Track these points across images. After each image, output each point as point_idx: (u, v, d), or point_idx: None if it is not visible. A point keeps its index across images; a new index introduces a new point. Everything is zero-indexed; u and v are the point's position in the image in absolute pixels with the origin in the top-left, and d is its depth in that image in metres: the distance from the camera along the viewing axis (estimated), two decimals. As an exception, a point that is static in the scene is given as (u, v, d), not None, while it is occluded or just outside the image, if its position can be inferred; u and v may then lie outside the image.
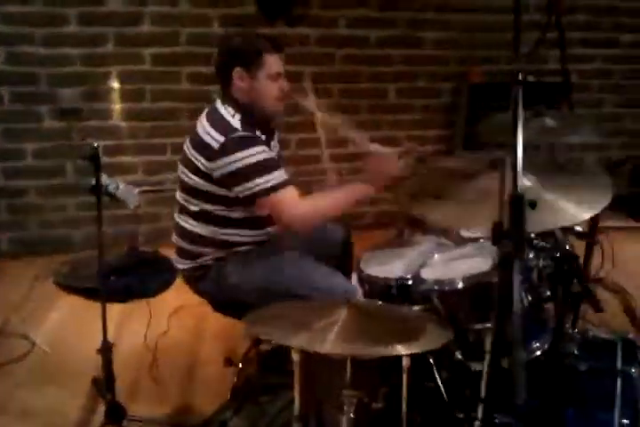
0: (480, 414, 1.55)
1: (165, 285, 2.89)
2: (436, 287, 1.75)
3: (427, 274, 1.81)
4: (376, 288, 1.93)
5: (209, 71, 3.52)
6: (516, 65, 1.27)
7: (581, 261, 2.05)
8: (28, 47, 3.36)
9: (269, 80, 2.00)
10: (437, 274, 1.80)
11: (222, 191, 1.97)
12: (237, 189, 1.93)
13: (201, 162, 1.94)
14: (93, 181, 1.89)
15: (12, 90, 3.41)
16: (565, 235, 1.86)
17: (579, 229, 1.91)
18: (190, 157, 1.99)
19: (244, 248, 2.06)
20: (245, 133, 1.93)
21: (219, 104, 2.02)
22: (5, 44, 3.33)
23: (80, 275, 3.07)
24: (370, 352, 1.40)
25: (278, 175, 1.92)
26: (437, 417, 1.72)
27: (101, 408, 2.02)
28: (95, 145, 1.85)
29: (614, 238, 2.30)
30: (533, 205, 1.24)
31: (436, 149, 4.07)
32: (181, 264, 2.12)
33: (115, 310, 2.51)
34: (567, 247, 1.80)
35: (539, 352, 1.72)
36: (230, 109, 1.98)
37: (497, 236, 1.19)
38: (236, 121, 1.95)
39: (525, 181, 1.43)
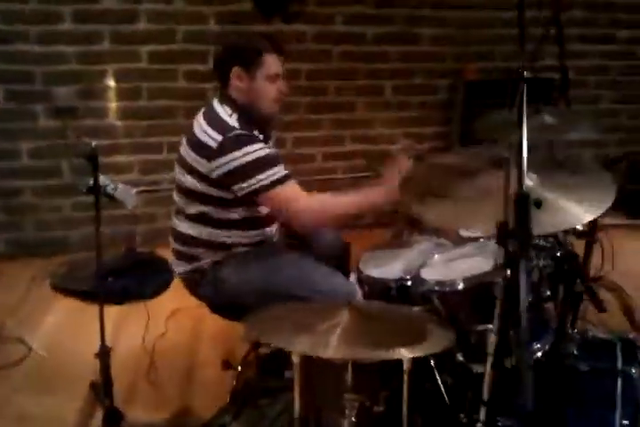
0: (482, 417, 1.54)
1: (163, 286, 2.87)
2: (436, 288, 1.74)
3: (427, 275, 1.80)
4: (376, 289, 1.92)
5: (205, 69, 3.53)
6: (520, 62, 1.25)
7: (580, 259, 2.03)
8: (23, 45, 3.33)
9: (268, 81, 1.98)
10: (438, 274, 1.79)
11: (218, 193, 1.95)
12: (238, 187, 1.90)
13: (199, 162, 1.92)
14: (91, 182, 1.86)
15: (7, 88, 3.38)
16: (565, 234, 1.85)
17: (578, 227, 1.90)
18: (187, 157, 1.97)
19: (241, 250, 2.04)
20: (243, 132, 1.91)
21: (216, 103, 2.00)
22: (-1, 41, 3.31)
23: (77, 277, 3.05)
24: (373, 356, 1.39)
25: (279, 170, 1.90)
26: (439, 420, 1.71)
27: (99, 413, 2.00)
28: (93, 144, 1.83)
29: (612, 236, 2.29)
30: (539, 204, 1.23)
31: (433, 145, 4.06)
32: (179, 268, 2.10)
33: (111, 312, 2.49)
34: (568, 247, 1.79)
35: (540, 353, 1.71)
36: (227, 109, 1.97)
37: (502, 236, 1.17)
38: (233, 120, 1.94)
39: (528, 180, 1.41)
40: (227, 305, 2.02)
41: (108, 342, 1.97)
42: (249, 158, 1.87)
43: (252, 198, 1.92)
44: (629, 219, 3.91)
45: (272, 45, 1.97)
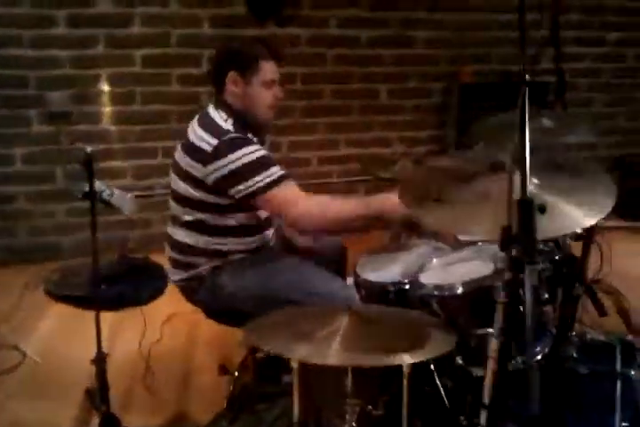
0: (483, 421, 1.53)
1: (158, 292, 2.85)
2: (435, 293, 1.72)
3: (426, 279, 1.79)
4: (373, 293, 1.90)
5: (199, 73, 3.53)
6: (521, 65, 1.24)
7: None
8: (16, 50, 3.32)
9: (263, 87, 1.97)
10: (436, 278, 1.77)
11: (215, 199, 1.93)
12: (235, 190, 1.88)
13: (194, 167, 1.91)
14: (87, 188, 1.83)
15: (0, 93, 3.36)
16: (564, 236, 1.85)
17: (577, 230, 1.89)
18: (181, 162, 1.95)
19: (237, 256, 2.02)
20: (238, 135, 1.90)
21: (211, 109, 1.99)
22: (-8, 46, 3.29)
23: (71, 283, 3.03)
24: (374, 362, 1.38)
25: (275, 171, 1.89)
26: (439, 424, 1.70)
27: (94, 419, 1.99)
28: (89, 150, 1.81)
29: (609, 239, 2.29)
30: (543, 209, 1.22)
31: (428, 149, 4.06)
32: (176, 276, 2.08)
33: (107, 317, 2.46)
34: (567, 250, 1.79)
35: (539, 356, 1.70)
36: (223, 114, 1.95)
37: (506, 241, 1.16)
38: (228, 125, 1.93)
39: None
40: (225, 311, 2.01)
41: (104, 348, 1.95)
42: (245, 161, 1.86)
43: (249, 202, 1.91)
44: (627, 221, 3.91)
45: (269, 51, 1.97)
